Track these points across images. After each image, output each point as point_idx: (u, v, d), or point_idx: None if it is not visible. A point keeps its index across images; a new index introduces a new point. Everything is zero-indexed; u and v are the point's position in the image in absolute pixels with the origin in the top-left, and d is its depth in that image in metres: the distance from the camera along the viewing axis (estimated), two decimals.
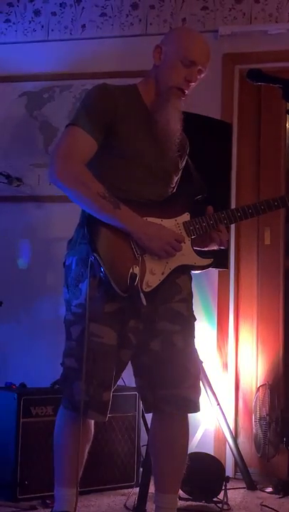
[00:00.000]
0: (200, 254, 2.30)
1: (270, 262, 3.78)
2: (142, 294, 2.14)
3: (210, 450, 3.46)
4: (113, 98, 2.22)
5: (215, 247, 2.35)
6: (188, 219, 2.28)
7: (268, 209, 2.33)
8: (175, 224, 2.26)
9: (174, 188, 2.39)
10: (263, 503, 3.03)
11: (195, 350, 2.31)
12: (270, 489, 3.29)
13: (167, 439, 2.28)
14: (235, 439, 3.47)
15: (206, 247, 2.34)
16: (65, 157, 2.17)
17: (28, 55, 4.04)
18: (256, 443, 3.52)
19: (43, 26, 4.05)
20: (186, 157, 2.42)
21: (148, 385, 2.27)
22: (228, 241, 2.43)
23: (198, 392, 2.29)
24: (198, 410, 2.29)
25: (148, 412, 2.35)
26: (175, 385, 2.22)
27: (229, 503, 2.99)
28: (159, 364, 2.23)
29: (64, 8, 4.03)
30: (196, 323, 2.35)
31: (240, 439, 3.67)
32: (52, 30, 4.04)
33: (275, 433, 3.44)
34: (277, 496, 3.20)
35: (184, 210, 2.29)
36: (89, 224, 2.17)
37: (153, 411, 2.30)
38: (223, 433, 3.42)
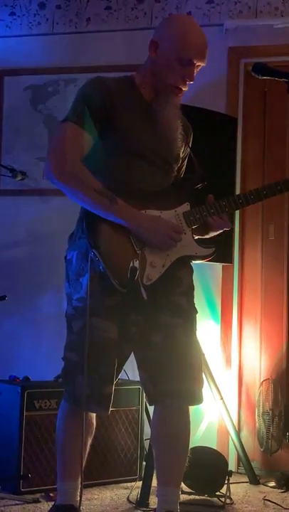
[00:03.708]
0: (201, 244, 2.28)
1: (274, 257, 3.78)
2: (142, 288, 2.14)
3: (213, 444, 3.47)
4: (108, 90, 2.20)
5: (215, 233, 2.32)
6: (188, 209, 2.26)
7: (271, 193, 2.30)
8: (175, 215, 2.25)
9: (175, 176, 2.37)
10: (266, 498, 3.04)
11: (197, 343, 2.31)
12: (272, 483, 3.29)
13: (169, 431, 2.28)
14: (238, 433, 3.47)
15: (207, 234, 2.32)
16: (60, 154, 2.16)
17: (33, 49, 4.03)
18: (259, 437, 3.53)
19: (47, 19, 4.04)
20: (188, 146, 2.39)
21: (150, 379, 2.27)
22: (233, 232, 2.40)
23: (200, 384, 2.28)
24: (201, 402, 2.29)
25: (151, 404, 2.35)
26: (177, 377, 2.22)
27: (232, 497, 2.99)
28: (161, 357, 2.23)
29: (69, 1, 4.02)
30: (198, 316, 2.35)
31: (243, 434, 3.68)
32: (57, 23, 4.02)
33: (278, 427, 3.45)
34: (280, 490, 3.21)
35: (184, 200, 2.27)
36: (88, 219, 2.17)
37: (155, 404, 2.31)
38: (226, 427, 3.42)
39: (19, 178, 3.81)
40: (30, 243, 3.96)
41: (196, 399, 2.27)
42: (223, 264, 3.46)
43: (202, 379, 2.32)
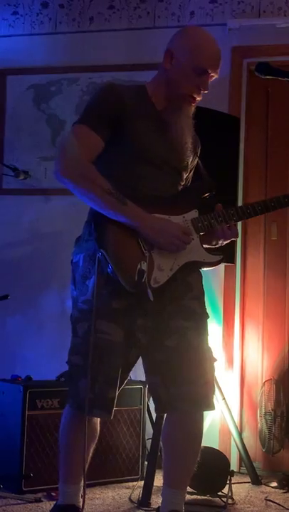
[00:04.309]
0: (209, 250, 2.28)
1: (276, 257, 3.77)
2: (149, 290, 2.13)
3: (215, 444, 3.47)
4: (120, 96, 2.22)
5: (223, 242, 2.32)
6: (197, 216, 2.27)
7: (278, 206, 2.30)
8: (183, 220, 2.25)
9: (183, 185, 2.38)
10: (268, 498, 3.04)
11: (210, 348, 2.29)
12: (274, 484, 3.29)
13: (181, 436, 2.26)
14: (240, 433, 3.47)
15: (215, 244, 2.31)
16: (70, 154, 2.17)
17: (36, 48, 4.03)
18: (261, 438, 3.52)
19: (50, 19, 4.04)
20: (197, 156, 2.40)
21: (162, 383, 2.24)
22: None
23: (212, 389, 2.27)
24: (213, 408, 2.27)
25: (162, 412, 2.32)
26: (190, 382, 2.20)
27: (234, 497, 2.99)
28: (174, 360, 2.21)
29: (72, 0, 4.02)
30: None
31: (245, 434, 3.67)
32: (60, 22, 4.03)
33: (280, 428, 3.45)
34: (282, 491, 3.20)
35: (192, 207, 2.27)
36: (96, 221, 2.17)
37: (168, 410, 2.27)
38: (228, 428, 3.42)
39: (22, 177, 3.82)
40: (32, 242, 3.97)
41: (208, 404, 2.24)
42: (226, 264, 3.46)
43: (214, 385, 2.30)
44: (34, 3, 4.06)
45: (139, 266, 2.14)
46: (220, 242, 2.32)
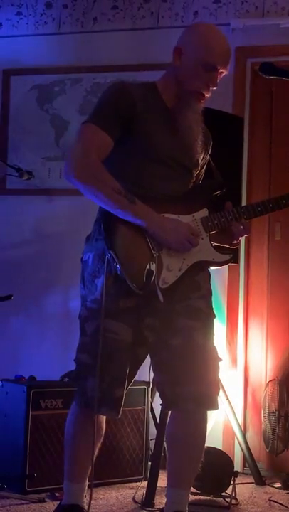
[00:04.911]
0: (219, 250, 2.28)
1: (280, 256, 3.77)
2: (159, 291, 2.13)
3: (219, 445, 3.46)
4: (130, 95, 2.21)
5: (236, 240, 2.31)
6: (207, 215, 2.26)
7: None
8: (193, 220, 2.24)
9: (194, 182, 2.37)
10: (272, 498, 3.03)
11: (215, 348, 2.29)
12: (278, 484, 3.29)
13: (185, 435, 2.27)
14: (243, 434, 3.47)
15: (227, 242, 2.30)
16: (81, 154, 2.16)
17: (40, 48, 4.03)
18: (265, 438, 3.52)
19: (54, 19, 4.04)
20: (208, 153, 2.39)
21: (167, 381, 2.25)
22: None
23: (217, 389, 2.27)
24: (217, 408, 2.28)
25: (167, 409, 2.34)
26: (195, 381, 2.21)
27: (237, 497, 2.99)
28: (180, 360, 2.21)
29: (76, 0, 4.02)
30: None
31: (249, 434, 3.67)
32: (63, 23, 4.03)
33: (283, 428, 3.44)
34: (286, 491, 3.20)
35: (202, 205, 2.27)
36: (105, 220, 2.17)
37: (172, 407, 2.29)
38: (232, 428, 3.41)
39: (26, 177, 3.82)
40: (36, 243, 3.97)
41: (213, 403, 2.25)
42: (229, 264, 3.45)
43: (218, 385, 2.31)
44: (38, 4, 4.06)
45: (148, 267, 2.13)
46: (235, 240, 2.31)
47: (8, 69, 4.05)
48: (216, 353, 2.31)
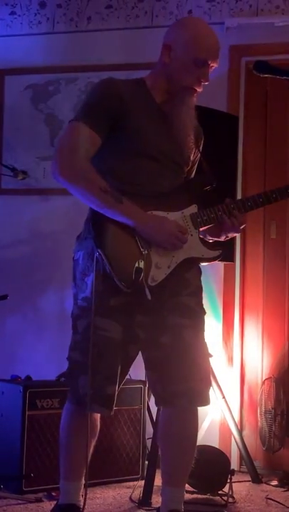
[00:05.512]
0: (208, 246, 2.28)
1: (275, 255, 3.77)
2: (146, 289, 2.13)
3: (215, 443, 3.47)
4: (118, 92, 2.20)
5: (230, 235, 2.31)
6: (196, 211, 2.26)
7: (280, 197, 2.29)
8: (182, 216, 2.24)
9: (185, 178, 2.37)
10: (268, 496, 3.04)
11: (205, 344, 2.30)
12: (275, 482, 3.29)
13: (177, 432, 2.27)
14: (240, 432, 3.47)
15: (221, 236, 2.30)
16: (67, 153, 2.16)
17: (34, 48, 4.03)
18: (261, 436, 3.52)
19: (48, 18, 4.03)
20: (199, 150, 2.38)
21: (158, 379, 2.26)
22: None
23: (208, 385, 2.28)
24: (208, 403, 2.29)
25: (159, 405, 2.35)
26: (185, 379, 2.21)
27: (234, 496, 2.99)
28: (169, 358, 2.22)
29: (70, 0, 4.01)
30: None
31: (246, 432, 3.67)
32: (57, 22, 4.02)
33: (280, 426, 3.45)
34: (283, 489, 3.20)
35: (192, 201, 2.26)
36: (94, 219, 2.17)
37: (164, 405, 2.30)
38: (228, 426, 3.42)
39: (20, 177, 3.81)
40: (31, 242, 3.96)
41: (204, 399, 2.26)
42: (225, 262, 3.46)
43: (210, 380, 2.32)
44: (32, 3, 4.05)
45: (136, 264, 2.14)
46: (229, 234, 2.30)
47: (3, 68, 4.04)
48: (207, 350, 2.32)
